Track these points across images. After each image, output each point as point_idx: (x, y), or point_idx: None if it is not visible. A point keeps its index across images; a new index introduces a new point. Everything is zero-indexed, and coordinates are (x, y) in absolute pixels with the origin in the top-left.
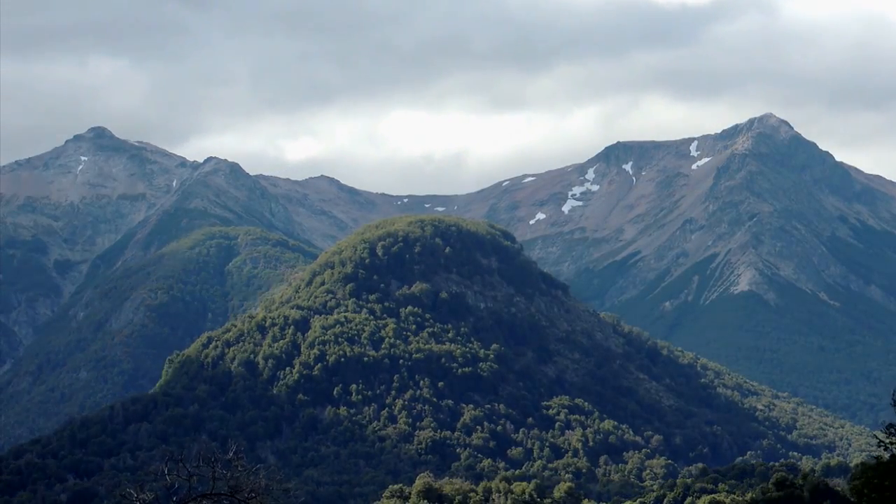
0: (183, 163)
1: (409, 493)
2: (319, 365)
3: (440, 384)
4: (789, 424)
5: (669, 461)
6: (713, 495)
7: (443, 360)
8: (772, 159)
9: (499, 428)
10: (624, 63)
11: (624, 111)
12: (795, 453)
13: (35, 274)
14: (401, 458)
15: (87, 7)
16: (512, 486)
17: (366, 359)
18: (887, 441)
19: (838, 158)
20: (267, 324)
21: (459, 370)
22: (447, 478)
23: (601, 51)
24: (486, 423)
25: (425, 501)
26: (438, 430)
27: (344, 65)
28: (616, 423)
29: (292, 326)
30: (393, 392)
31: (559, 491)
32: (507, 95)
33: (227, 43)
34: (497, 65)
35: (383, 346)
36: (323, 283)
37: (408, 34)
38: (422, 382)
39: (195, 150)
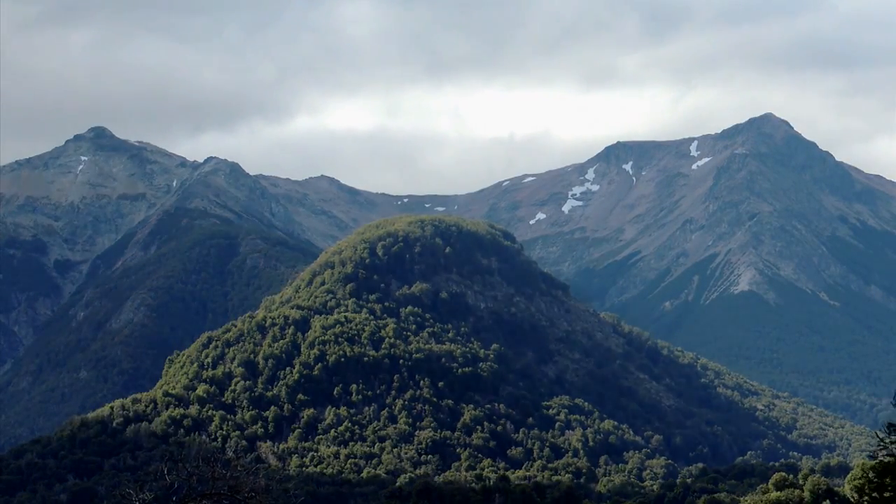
0: (183, 163)
1: (409, 493)
2: (319, 365)
3: (440, 384)
4: (789, 424)
5: (669, 461)
6: (713, 495)
7: (443, 360)
8: (772, 159)
9: (499, 428)
10: (739, 37)
11: (731, 88)
12: (795, 453)
13: (35, 274)
14: (401, 458)
15: None
16: (512, 486)
17: (366, 359)
18: (888, 440)
19: None
20: (267, 324)
21: (459, 370)
22: (447, 478)
23: (721, 24)
24: (486, 423)
25: (425, 501)
26: (438, 430)
27: (455, 41)
28: (616, 423)
29: (292, 326)
30: (393, 392)
31: (559, 491)
32: (600, 73)
33: (340, 12)
34: (617, 44)
35: (383, 346)
36: (323, 283)
37: (540, 10)
38: (422, 382)
39: (299, 126)
